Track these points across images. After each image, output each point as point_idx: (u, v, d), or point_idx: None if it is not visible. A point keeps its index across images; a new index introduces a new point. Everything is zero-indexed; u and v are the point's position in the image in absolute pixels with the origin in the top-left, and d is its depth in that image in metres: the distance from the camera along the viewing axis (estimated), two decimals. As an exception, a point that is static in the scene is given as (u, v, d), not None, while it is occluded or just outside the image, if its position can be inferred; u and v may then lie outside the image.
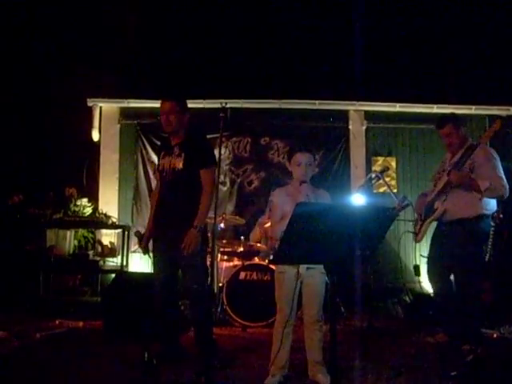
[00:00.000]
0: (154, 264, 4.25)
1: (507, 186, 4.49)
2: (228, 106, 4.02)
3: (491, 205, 4.63)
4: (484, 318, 4.76)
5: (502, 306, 5.63)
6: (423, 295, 6.25)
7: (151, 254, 4.29)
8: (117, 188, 7.74)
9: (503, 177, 4.51)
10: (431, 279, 4.93)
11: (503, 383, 3.65)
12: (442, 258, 4.73)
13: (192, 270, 4.02)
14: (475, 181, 4.44)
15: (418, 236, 4.89)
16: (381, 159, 7.82)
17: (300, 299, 3.72)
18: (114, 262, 7.10)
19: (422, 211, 4.86)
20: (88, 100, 7.73)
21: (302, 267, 3.61)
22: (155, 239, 4.25)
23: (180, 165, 4.11)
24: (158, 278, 4.21)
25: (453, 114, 5.06)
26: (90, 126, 7.77)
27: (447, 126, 4.79)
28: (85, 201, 7.35)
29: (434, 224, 4.90)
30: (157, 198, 4.28)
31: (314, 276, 3.65)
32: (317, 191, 3.81)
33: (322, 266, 3.59)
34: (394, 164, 7.77)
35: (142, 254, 7.37)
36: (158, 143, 7.53)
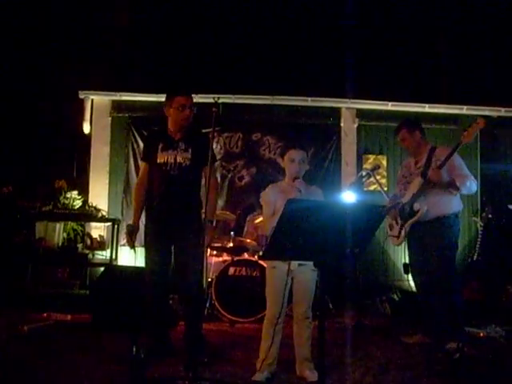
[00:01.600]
0: (149, 258, 4.23)
1: (476, 182, 4.72)
2: (220, 101, 4.02)
3: (460, 203, 4.83)
4: (468, 316, 4.80)
5: (489, 306, 5.67)
6: (411, 293, 6.28)
7: (144, 248, 4.28)
8: (107, 181, 7.69)
9: (470, 173, 4.74)
10: (414, 279, 4.99)
11: (489, 381, 3.68)
12: (422, 257, 4.81)
13: (194, 265, 4.02)
14: (452, 179, 4.61)
15: (398, 239, 4.96)
16: (372, 157, 7.83)
17: (290, 295, 3.73)
18: (103, 255, 7.08)
19: (397, 215, 4.93)
20: (79, 92, 7.68)
21: (294, 263, 3.62)
22: (152, 232, 4.23)
23: (187, 161, 4.15)
24: (152, 272, 4.19)
25: (408, 120, 5.25)
26: (81, 119, 7.71)
27: (401, 132, 5.00)
28: (75, 193, 7.31)
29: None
30: (155, 192, 4.22)
31: (305, 273, 3.66)
32: (309, 188, 3.82)
33: (313, 263, 3.62)
34: (384, 162, 7.78)
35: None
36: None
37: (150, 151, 4.28)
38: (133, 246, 4.26)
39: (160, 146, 4.22)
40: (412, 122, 5.13)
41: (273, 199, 3.77)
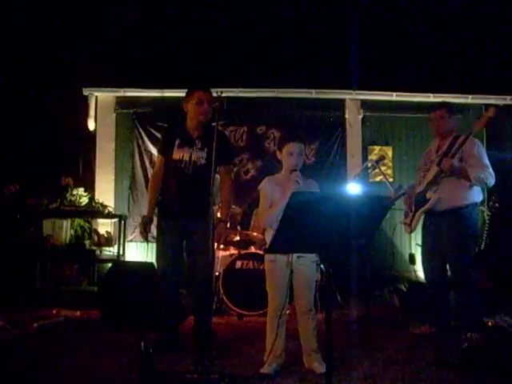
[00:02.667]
0: (161, 253, 4.25)
1: (493, 174, 4.58)
2: (224, 94, 4.05)
3: (480, 194, 4.72)
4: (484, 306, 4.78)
5: (497, 295, 5.66)
6: (419, 284, 6.28)
7: (156, 243, 4.30)
8: (113, 177, 7.73)
9: (489, 165, 4.60)
10: (425, 269, 4.96)
11: (497, 371, 3.68)
12: (436, 248, 4.77)
13: (205, 260, 4.05)
14: (465, 169, 4.51)
15: (410, 227, 4.92)
16: (377, 148, 7.82)
17: (291, 288, 3.74)
18: (110, 251, 7.10)
19: (412, 203, 4.89)
20: (84, 89, 7.70)
21: (293, 256, 3.62)
22: (164, 227, 4.24)
23: (203, 160, 4.16)
24: (164, 267, 4.20)
25: (449, 103, 5.13)
26: (86, 116, 7.75)
27: (441, 110, 4.88)
28: (81, 190, 7.34)
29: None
30: (169, 188, 4.25)
31: (305, 265, 3.66)
32: (306, 180, 3.81)
33: (312, 255, 3.63)
34: (390, 153, 7.77)
35: (138, 243, 7.46)
36: (155, 132, 7.57)
37: (167, 146, 4.28)
38: (146, 238, 4.28)
39: (177, 142, 4.23)
40: (452, 106, 5.03)
41: (270, 192, 3.75)
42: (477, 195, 4.68)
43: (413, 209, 4.88)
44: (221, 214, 4.31)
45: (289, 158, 3.75)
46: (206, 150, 4.17)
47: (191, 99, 4.18)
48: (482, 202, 6.87)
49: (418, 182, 4.94)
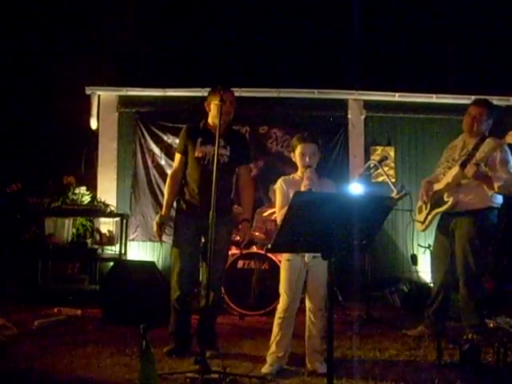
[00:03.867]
0: (180, 252, 4.19)
1: None
2: (226, 94, 4.03)
3: (499, 198, 4.56)
4: (486, 308, 4.74)
5: (499, 296, 5.65)
6: (420, 285, 6.28)
7: (174, 241, 4.27)
8: (115, 176, 7.72)
9: None
10: (436, 269, 4.90)
11: (498, 372, 3.68)
12: (448, 249, 4.68)
13: (221, 258, 4.09)
14: (490, 178, 4.37)
15: (423, 225, 4.84)
16: (380, 149, 7.81)
17: (304, 287, 3.74)
18: (112, 250, 7.09)
19: (428, 200, 4.77)
20: (86, 88, 7.69)
21: (309, 256, 3.62)
22: (184, 225, 4.22)
23: (225, 157, 4.17)
24: (185, 266, 4.15)
25: (491, 103, 4.79)
26: (89, 115, 7.74)
27: (481, 108, 4.62)
28: (83, 189, 7.33)
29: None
30: (191, 185, 4.23)
31: (320, 264, 3.63)
32: (322, 179, 3.83)
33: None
34: (392, 154, 7.75)
35: (140, 243, 7.47)
36: (157, 131, 7.60)
37: (188, 145, 4.27)
38: (161, 238, 4.28)
39: (199, 141, 4.22)
40: (495, 109, 4.72)
41: (286, 189, 3.79)
42: (495, 200, 4.52)
43: (428, 206, 4.78)
44: (244, 213, 4.32)
45: (301, 158, 3.80)
46: (228, 148, 4.19)
47: (213, 99, 4.18)
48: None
49: (438, 179, 4.79)
